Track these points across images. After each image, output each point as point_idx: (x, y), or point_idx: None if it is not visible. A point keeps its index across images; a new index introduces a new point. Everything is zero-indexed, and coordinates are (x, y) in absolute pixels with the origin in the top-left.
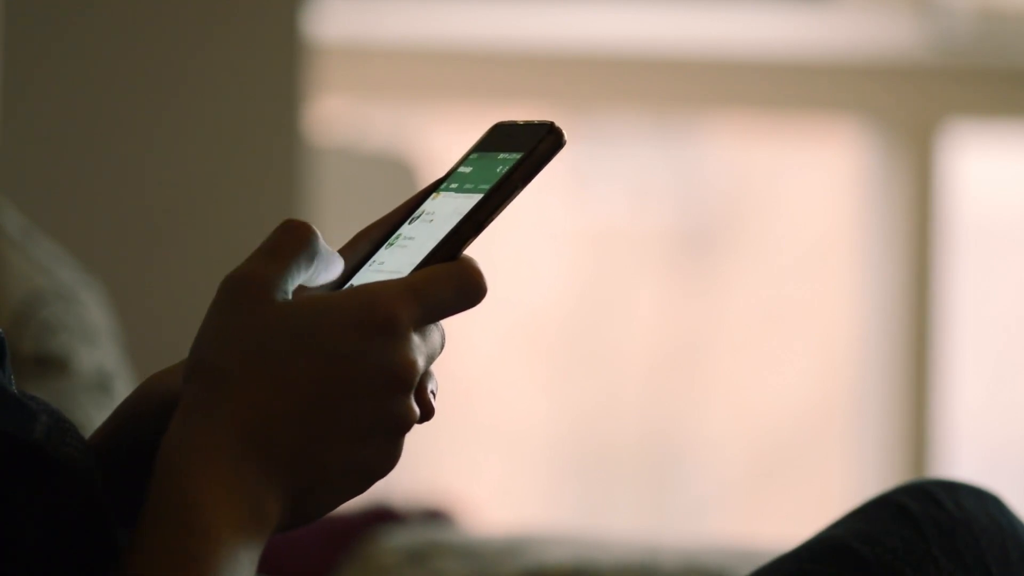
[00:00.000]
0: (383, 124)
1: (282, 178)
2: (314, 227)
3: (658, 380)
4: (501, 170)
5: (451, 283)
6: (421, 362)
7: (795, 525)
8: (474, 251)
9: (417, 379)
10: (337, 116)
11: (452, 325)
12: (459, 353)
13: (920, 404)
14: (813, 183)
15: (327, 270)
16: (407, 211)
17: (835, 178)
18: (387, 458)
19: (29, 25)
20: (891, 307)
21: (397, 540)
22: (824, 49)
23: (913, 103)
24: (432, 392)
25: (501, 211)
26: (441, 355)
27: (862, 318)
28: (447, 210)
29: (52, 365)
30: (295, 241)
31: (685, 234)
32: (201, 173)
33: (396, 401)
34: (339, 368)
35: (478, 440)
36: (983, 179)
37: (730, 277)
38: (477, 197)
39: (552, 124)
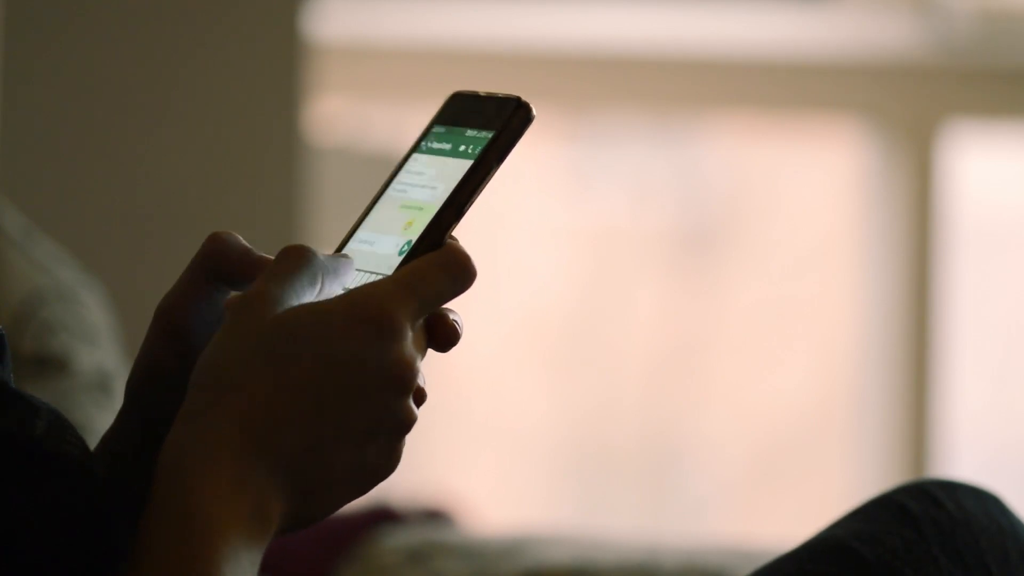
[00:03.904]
0: (383, 124)
1: (282, 178)
2: (310, 246)
3: (658, 380)
4: (474, 150)
5: (442, 272)
6: (418, 360)
7: (795, 525)
8: (473, 247)
9: (416, 378)
10: (337, 116)
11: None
12: (459, 353)
13: (920, 404)
14: (813, 183)
15: (337, 278)
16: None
17: (835, 178)
18: (389, 460)
19: (29, 25)
20: (891, 307)
21: (397, 540)
22: (824, 49)
23: (913, 103)
24: (421, 386)
25: (480, 192)
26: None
27: (862, 318)
28: (424, 195)
29: (52, 365)
30: (291, 262)
31: (685, 234)
32: (201, 173)
33: (397, 402)
34: (340, 372)
35: (477, 440)
36: (983, 179)
37: (730, 277)
38: (455, 180)
39: (519, 99)
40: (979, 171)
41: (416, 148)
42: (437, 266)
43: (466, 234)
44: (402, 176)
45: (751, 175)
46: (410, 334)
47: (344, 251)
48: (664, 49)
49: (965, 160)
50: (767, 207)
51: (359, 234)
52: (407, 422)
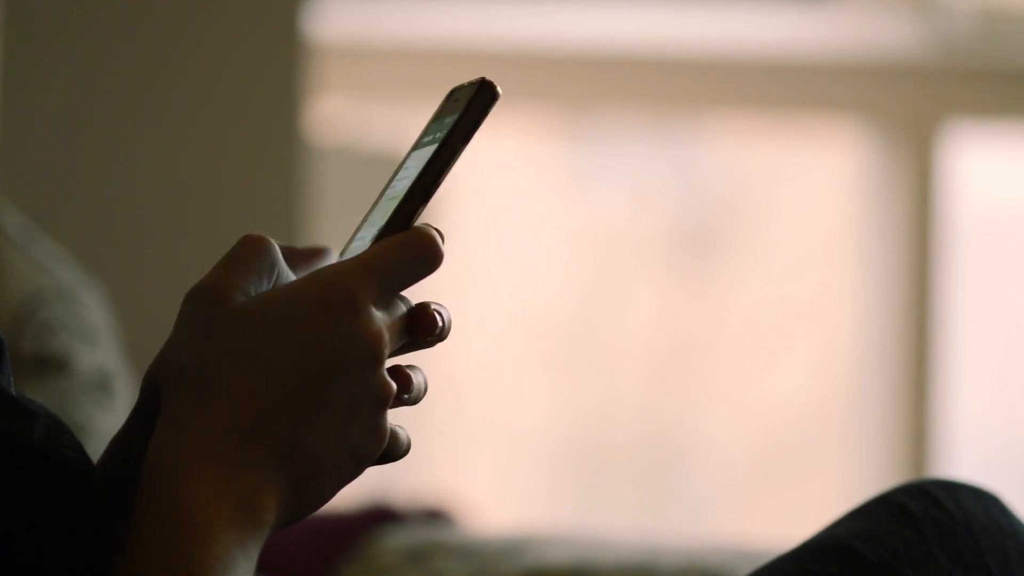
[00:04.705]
0: (383, 124)
1: (282, 178)
2: (271, 240)
3: (658, 380)
4: (442, 134)
5: (403, 252)
6: (387, 334)
7: (795, 525)
8: (474, 247)
9: (386, 351)
10: (337, 116)
11: (452, 326)
12: (459, 353)
13: (920, 404)
14: (813, 183)
15: (307, 266)
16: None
17: (835, 178)
18: (375, 437)
19: (29, 25)
20: (891, 307)
21: (397, 540)
22: (824, 49)
23: (913, 103)
24: (413, 376)
25: (446, 174)
26: (440, 345)
27: (862, 318)
28: (404, 184)
29: (52, 365)
30: (252, 253)
31: (685, 234)
32: (201, 173)
33: (369, 375)
34: (310, 353)
35: (477, 440)
36: (983, 179)
37: (730, 277)
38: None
39: (483, 80)
40: (979, 171)
41: (415, 146)
42: (399, 245)
43: (467, 235)
44: (398, 172)
45: (751, 175)
46: (375, 311)
47: (346, 251)
48: (664, 49)
49: (965, 160)
50: (767, 207)
51: (360, 232)
52: (384, 395)
